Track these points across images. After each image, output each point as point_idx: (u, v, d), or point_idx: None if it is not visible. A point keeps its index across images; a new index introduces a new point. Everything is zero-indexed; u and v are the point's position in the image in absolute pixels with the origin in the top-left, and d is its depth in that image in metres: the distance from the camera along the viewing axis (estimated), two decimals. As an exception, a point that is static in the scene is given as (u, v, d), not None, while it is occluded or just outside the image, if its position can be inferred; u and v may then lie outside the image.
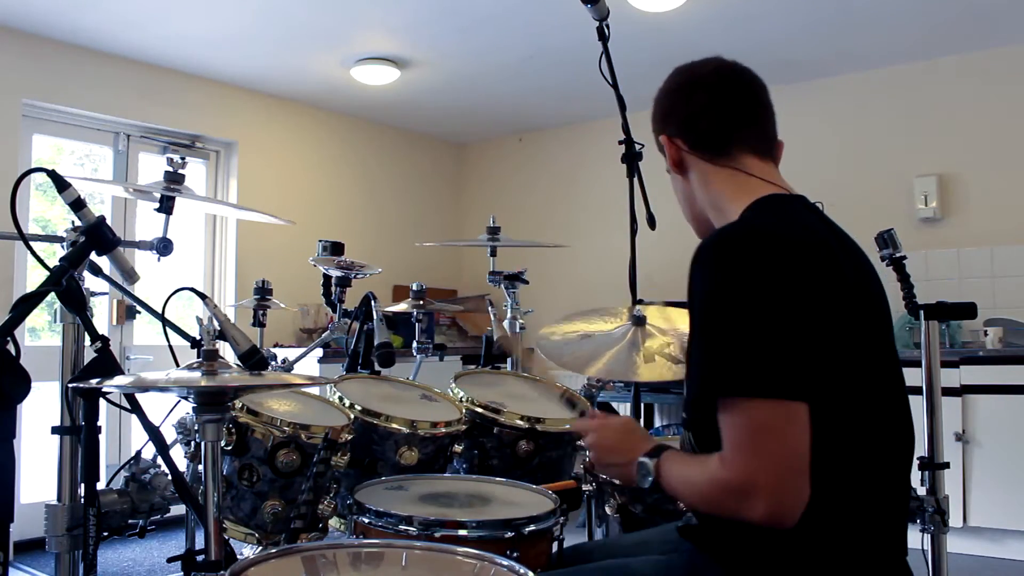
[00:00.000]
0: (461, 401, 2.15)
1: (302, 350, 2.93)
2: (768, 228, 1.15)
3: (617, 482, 1.58)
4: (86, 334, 1.69)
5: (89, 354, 1.67)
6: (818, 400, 1.07)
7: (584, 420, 1.43)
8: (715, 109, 1.30)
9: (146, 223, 4.67)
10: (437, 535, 1.41)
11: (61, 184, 1.65)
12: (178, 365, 1.65)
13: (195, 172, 5.01)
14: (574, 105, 5.44)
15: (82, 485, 1.63)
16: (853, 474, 1.13)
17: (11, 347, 1.53)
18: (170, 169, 1.99)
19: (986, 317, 4.10)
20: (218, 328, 1.58)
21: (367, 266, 2.70)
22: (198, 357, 1.39)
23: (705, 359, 1.10)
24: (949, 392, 3.73)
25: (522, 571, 1.15)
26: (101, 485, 1.67)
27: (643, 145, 2.47)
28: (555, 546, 1.53)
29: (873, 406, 1.16)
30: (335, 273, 2.67)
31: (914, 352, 3.93)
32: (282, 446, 1.81)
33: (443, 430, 2.01)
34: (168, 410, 1.87)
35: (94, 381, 1.36)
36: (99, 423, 1.65)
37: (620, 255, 2.52)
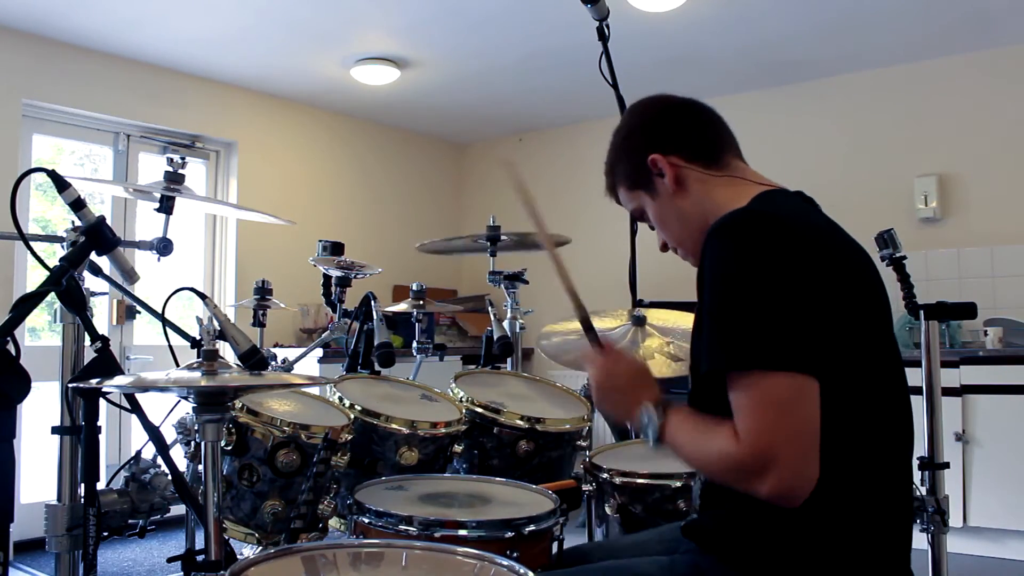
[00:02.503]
0: (461, 401, 2.15)
1: (302, 350, 2.93)
2: (778, 211, 1.17)
3: (617, 421, 1.40)
4: (86, 334, 1.69)
5: (89, 354, 1.67)
6: (826, 382, 1.07)
7: (594, 353, 1.34)
8: (704, 122, 1.35)
9: (146, 223, 4.67)
10: (437, 535, 1.41)
11: (61, 184, 1.65)
12: (178, 365, 1.65)
13: (195, 172, 5.01)
14: (574, 105, 5.44)
15: (82, 485, 1.63)
16: (859, 470, 1.12)
17: (11, 347, 1.54)
18: (170, 169, 1.99)
19: (986, 317, 4.10)
20: (218, 328, 1.58)
21: (367, 266, 2.70)
22: (198, 357, 1.39)
23: (719, 334, 1.09)
24: (949, 392, 3.73)
25: (522, 571, 1.15)
26: (101, 485, 1.67)
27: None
28: (555, 546, 1.53)
29: (879, 395, 1.16)
30: (335, 273, 2.67)
31: (914, 352, 3.93)
32: (282, 446, 1.81)
33: (443, 430, 2.01)
34: (168, 410, 1.87)
35: (94, 381, 1.36)
36: (99, 423, 1.65)
37: (620, 255, 2.53)
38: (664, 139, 1.33)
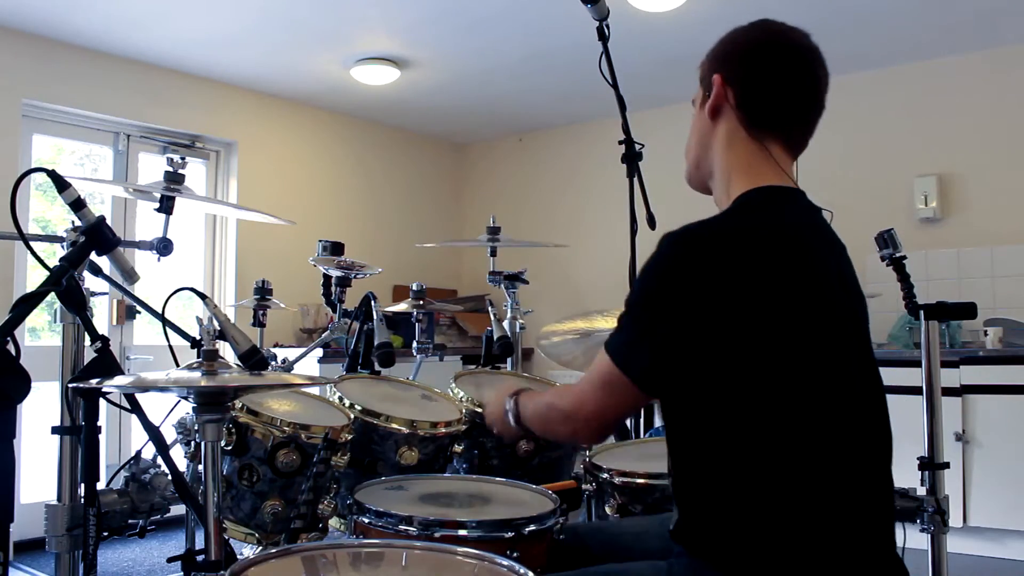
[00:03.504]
0: (461, 401, 2.15)
1: (302, 350, 2.93)
2: (725, 229, 1.18)
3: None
4: (86, 334, 1.69)
5: (89, 354, 1.67)
6: (784, 393, 1.12)
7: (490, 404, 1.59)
8: (780, 87, 1.27)
9: (146, 223, 4.67)
10: (437, 535, 1.41)
11: (61, 184, 1.65)
12: (178, 365, 1.65)
13: (195, 172, 5.01)
14: (574, 105, 5.44)
15: (82, 485, 1.63)
16: (832, 469, 1.14)
17: (11, 347, 1.54)
18: (170, 169, 1.99)
19: (986, 317, 4.10)
20: (218, 328, 1.58)
21: (367, 266, 2.70)
22: (198, 357, 1.39)
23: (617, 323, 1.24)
24: (949, 392, 3.73)
25: (522, 571, 1.15)
26: (101, 485, 1.66)
27: (643, 145, 2.47)
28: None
29: (847, 402, 1.17)
30: (335, 273, 2.67)
31: (914, 352, 3.93)
32: (282, 446, 1.80)
33: (443, 430, 2.01)
34: (168, 410, 1.87)
35: (94, 381, 1.36)
36: (99, 423, 1.65)
37: (620, 255, 2.52)
38: (735, 68, 1.29)
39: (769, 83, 1.27)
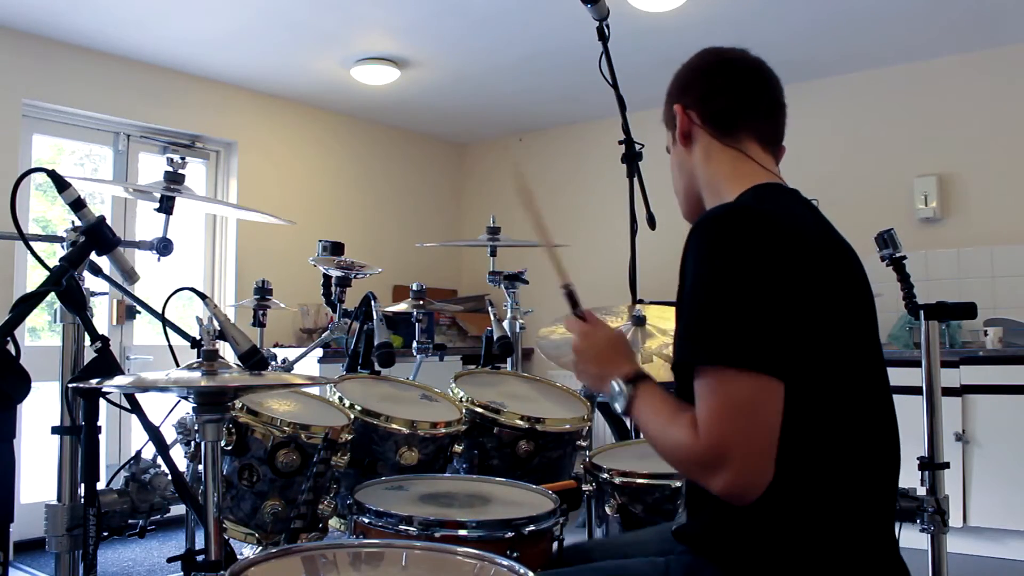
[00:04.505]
0: (461, 401, 2.15)
1: (302, 350, 2.93)
2: (765, 210, 1.17)
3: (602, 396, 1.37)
4: (86, 334, 1.69)
5: (89, 354, 1.67)
6: (800, 386, 1.08)
7: (575, 321, 1.36)
8: (734, 92, 1.33)
9: (146, 223, 4.67)
10: (437, 535, 1.41)
11: (61, 184, 1.65)
12: (178, 365, 1.65)
13: (195, 172, 5.02)
14: (574, 105, 5.44)
15: (82, 485, 1.63)
16: (841, 468, 1.13)
17: (11, 347, 1.53)
18: (170, 169, 1.99)
19: (986, 317, 4.10)
20: (218, 328, 1.58)
21: (367, 266, 2.70)
22: (198, 357, 1.39)
23: (690, 327, 1.11)
24: (949, 392, 3.73)
25: (522, 571, 1.15)
26: (101, 485, 1.66)
27: (643, 145, 2.47)
28: (555, 546, 1.53)
29: (858, 399, 1.17)
30: (335, 273, 2.67)
31: (914, 352, 3.93)
32: (282, 446, 1.81)
33: (443, 430, 2.01)
34: (168, 410, 1.87)
35: (94, 381, 1.36)
36: (99, 423, 1.65)
37: (620, 255, 2.53)
38: (690, 92, 1.36)
39: (724, 90, 1.33)
